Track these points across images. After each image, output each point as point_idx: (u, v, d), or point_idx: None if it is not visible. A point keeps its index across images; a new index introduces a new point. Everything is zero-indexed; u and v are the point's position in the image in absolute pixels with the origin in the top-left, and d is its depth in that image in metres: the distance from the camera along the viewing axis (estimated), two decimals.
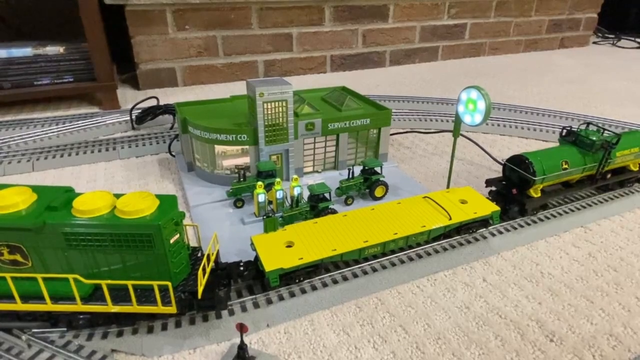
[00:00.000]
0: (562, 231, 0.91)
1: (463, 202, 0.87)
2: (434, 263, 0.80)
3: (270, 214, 0.79)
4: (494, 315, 0.69)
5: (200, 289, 0.60)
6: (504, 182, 0.95)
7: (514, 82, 2.08)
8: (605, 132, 0.97)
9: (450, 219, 0.82)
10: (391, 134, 1.18)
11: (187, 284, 0.62)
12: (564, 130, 0.99)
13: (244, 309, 0.68)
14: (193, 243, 0.74)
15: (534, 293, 0.74)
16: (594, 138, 0.93)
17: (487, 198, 0.91)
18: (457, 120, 0.91)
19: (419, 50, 2.42)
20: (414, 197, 0.89)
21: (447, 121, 1.49)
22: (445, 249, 0.83)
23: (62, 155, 1.19)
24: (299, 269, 0.70)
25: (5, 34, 1.81)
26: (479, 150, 1.28)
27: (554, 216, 0.94)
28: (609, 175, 1.01)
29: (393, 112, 1.15)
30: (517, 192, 0.91)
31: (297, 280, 0.72)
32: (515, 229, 0.90)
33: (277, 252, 0.72)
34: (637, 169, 1.04)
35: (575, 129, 0.98)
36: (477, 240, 0.86)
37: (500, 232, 0.88)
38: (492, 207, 0.86)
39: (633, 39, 3.14)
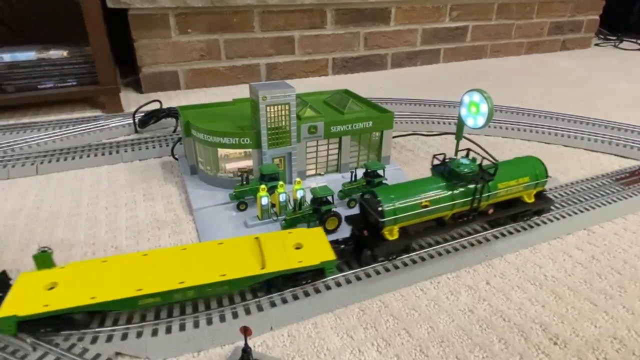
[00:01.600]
0: (565, 234, 0.91)
1: (298, 247, 0.74)
2: (437, 266, 0.80)
3: (46, 249, 0.68)
4: (498, 318, 0.69)
5: None
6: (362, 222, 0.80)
7: (515, 85, 2.08)
8: (486, 160, 0.83)
9: (263, 267, 0.69)
10: (393, 137, 1.19)
11: None
12: (435, 159, 0.84)
13: (247, 312, 0.68)
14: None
15: (537, 296, 0.74)
16: (463, 170, 0.78)
17: (341, 240, 0.78)
18: (460, 123, 0.91)
19: (420, 53, 2.43)
20: (244, 237, 0.77)
21: (450, 124, 1.50)
22: (448, 252, 0.83)
23: (65, 159, 1.19)
24: (41, 317, 0.60)
25: (10, 38, 1.82)
26: (481, 153, 1.28)
27: (557, 219, 0.94)
28: (490, 211, 0.86)
29: (395, 115, 1.16)
30: (368, 234, 0.77)
31: (42, 330, 0.61)
32: (519, 231, 0.90)
33: (32, 294, 0.62)
34: (533, 200, 0.90)
35: (449, 159, 0.82)
36: (480, 242, 0.86)
37: (504, 235, 0.88)
38: (328, 256, 0.72)
39: (635, 40, 3.14)
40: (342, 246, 0.77)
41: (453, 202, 0.79)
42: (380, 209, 0.74)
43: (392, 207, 0.74)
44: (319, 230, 0.79)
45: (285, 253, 0.73)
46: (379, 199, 0.74)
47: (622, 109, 1.72)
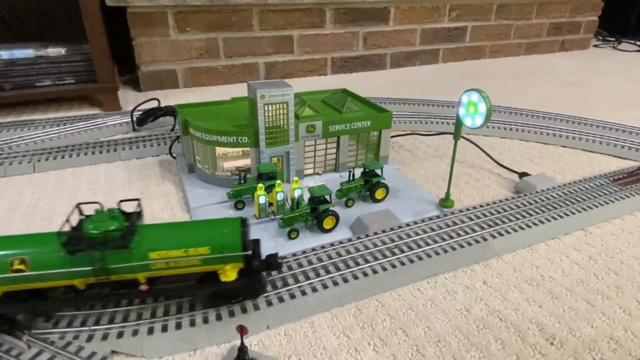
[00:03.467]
0: (562, 234, 0.91)
1: None
2: (435, 265, 0.80)
3: None
4: (494, 318, 0.69)
5: None
6: None
7: (514, 85, 2.08)
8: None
9: None
10: (392, 136, 1.19)
11: None
12: (76, 208, 0.63)
13: (244, 311, 0.68)
14: None
15: (534, 296, 0.74)
16: (88, 229, 0.58)
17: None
18: (458, 123, 0.91)
19: (419, 53, 2.43)
20: None
21: (448, 124, 1.50)
22: (445, 251, 0.83)
23: (63, 157, 1.19)
24: None
25: (7, 36, 1.82)
26: (479, 153, 1.28)
27: (555, 219, 0.94)
28: (143, 287, 0.62)
29: (394, 115, 1.16)
30: None
31: None
32: (516, 231, 0.90)
33: None
34: (235, 277, 0.64)
35: (97, 210, 0.61)
36: (477, 242, 0.86)
37: (501, 234, 0.88)
38: None
39: (633, 42, 3.14)
40: None
41: (69, 270, 0.58)
42: None
43: None
44: None
45: None
46: None
47: (620, 110, 1.72)
